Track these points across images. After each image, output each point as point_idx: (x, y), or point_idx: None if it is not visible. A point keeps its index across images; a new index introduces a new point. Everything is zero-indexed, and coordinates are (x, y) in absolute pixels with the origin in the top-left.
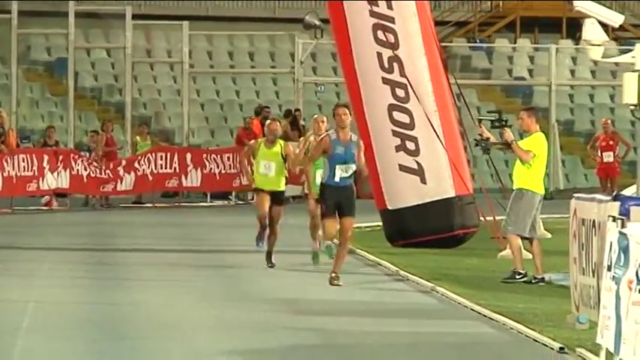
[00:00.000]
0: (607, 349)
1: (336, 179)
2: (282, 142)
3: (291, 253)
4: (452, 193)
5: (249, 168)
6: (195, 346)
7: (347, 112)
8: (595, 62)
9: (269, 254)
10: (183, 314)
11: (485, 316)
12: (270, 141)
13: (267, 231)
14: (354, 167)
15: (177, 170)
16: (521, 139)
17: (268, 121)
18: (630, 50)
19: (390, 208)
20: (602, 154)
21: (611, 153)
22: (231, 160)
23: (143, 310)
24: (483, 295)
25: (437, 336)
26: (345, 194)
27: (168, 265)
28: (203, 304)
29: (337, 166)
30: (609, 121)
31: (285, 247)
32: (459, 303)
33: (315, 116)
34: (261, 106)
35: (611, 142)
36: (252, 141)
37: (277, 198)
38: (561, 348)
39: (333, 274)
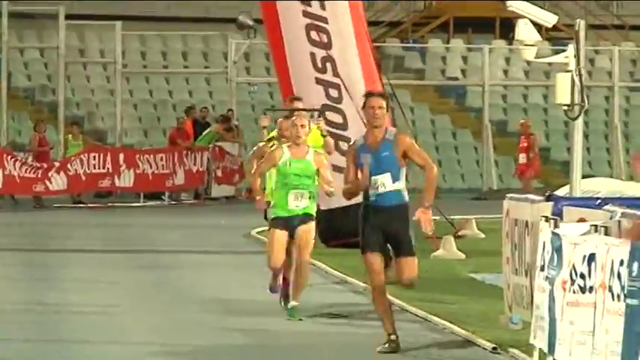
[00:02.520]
0: (540, 349)
1: (371, 197)
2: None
3: (222, 253)
4: None
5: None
6: (129, 347)
7: (383, 103)
8: (528, 62)
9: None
10: (117, 315)
11: (418, 316)
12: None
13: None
14: (388, 178)
15: (110, 170)
16: None
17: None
18: (564, 50)
19: (322, 208)
20: (518, 155)
21: (525, 155)
22: (164, 160)
23: (76, 311)
24: (417, 296)
25: (370, 337)
26: (391, 219)
27: (102, 266)
28: (136, 304)
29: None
30: (527, 123)
31: (217, 247)
32: (393, 303)
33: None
34: (191, 106)
35: (525, 144)
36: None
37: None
38: (494, 348)
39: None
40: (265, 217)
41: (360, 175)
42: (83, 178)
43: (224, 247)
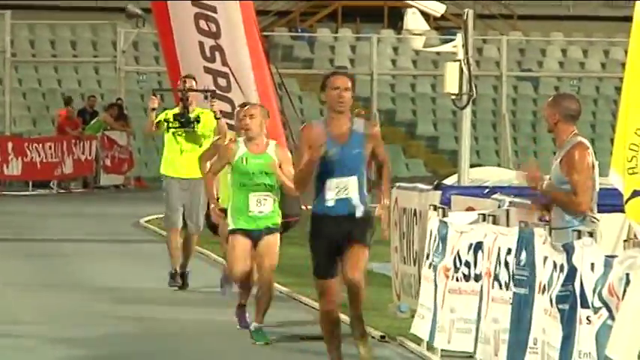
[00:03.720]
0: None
1: (329, 203)
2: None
3: (111, 242)
4: None
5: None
6: (19, 336)
7: (349, 83)
8: (417, 52)
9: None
10: (7, 304)
11: (307, 305)
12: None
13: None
14: (354, 184)
15: (0, 159)
16: None
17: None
18: (452, 40)
19: None
20: None
21: None
22: (52, 149)
23: None
24: (307, 283)
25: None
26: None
27: None
28: (26, 293)
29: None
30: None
31: (106, 236)
32: (281, 292)
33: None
34: (70, 96)
35: None
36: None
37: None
38: (382, 337)
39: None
40: (213, 230)
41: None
42: None
43: (113, 236)
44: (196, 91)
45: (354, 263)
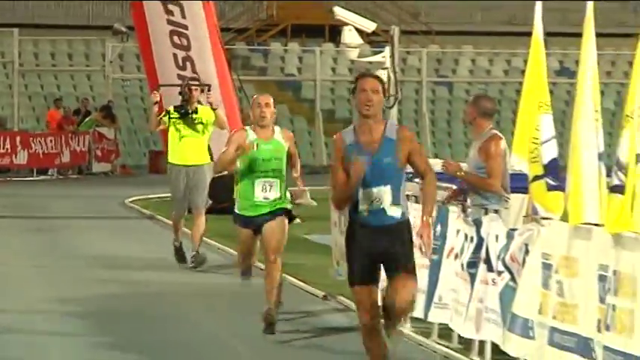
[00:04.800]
0: None
1: (362, 214)
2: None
3: (102, 218)
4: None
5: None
6: (23, 295)
7: (378, 85)
8: (352, 61)
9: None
10: (17, 268)
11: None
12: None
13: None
14: (389, 194)
15: (9, 150)
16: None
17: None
18: (381, 51)
19: None
20: None
21: None
22: (53, 142)
23: None
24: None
25: (225, 286)
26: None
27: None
28: (29, 261)
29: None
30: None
31: (97, 213)
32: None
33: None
34: (59, 98)
35: None
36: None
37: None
38: (324, 296)
39: None
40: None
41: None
42: None
43: (102, 213)
44: (194, 85)
45: (401, 291)
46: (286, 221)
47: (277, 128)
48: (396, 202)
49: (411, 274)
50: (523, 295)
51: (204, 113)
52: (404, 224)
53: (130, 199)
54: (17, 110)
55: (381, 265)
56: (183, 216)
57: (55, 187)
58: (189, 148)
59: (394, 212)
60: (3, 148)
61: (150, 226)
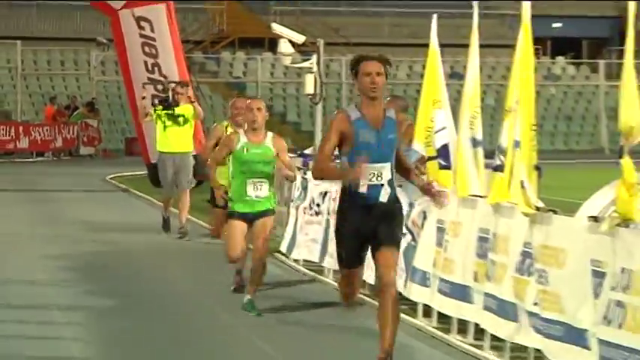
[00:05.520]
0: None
1: (361, 189)
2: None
3: (87, 191)
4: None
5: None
6: (25, 252)
7: (381, 67)
8: (287, 67)
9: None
10: (18, 233)
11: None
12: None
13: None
14: (388, 170)
15: (14, 137)
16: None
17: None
18: (309, 59)
19: (153, 162)
20: None
21: None
22: (49, 130)
23: None
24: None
25: (206, 251)
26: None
27: (4, 202)
28: (29, 226)
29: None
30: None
31: (83, 187)
32: (204, 226)
33: (249, 102)
34: (54, 96)
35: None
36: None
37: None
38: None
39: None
40: (214, 204)
41: (355, 163)
42: None
43: (88, 187)
44: (174, 82)
45: (387, 265)
46: (272, 220)
47: (270, 134)
48: (391, 179)
49: (397, 250)
50: (422, 253)
51: (184, 109)
52: (397, 200)
53: (110, 176)
54: (20, 105)
55: (368, 245)
56: (172, 197)
57: (50, 167)
58: (174, 138)
59: (390, 189)
60: (8, 135)
61: (125, 198)
